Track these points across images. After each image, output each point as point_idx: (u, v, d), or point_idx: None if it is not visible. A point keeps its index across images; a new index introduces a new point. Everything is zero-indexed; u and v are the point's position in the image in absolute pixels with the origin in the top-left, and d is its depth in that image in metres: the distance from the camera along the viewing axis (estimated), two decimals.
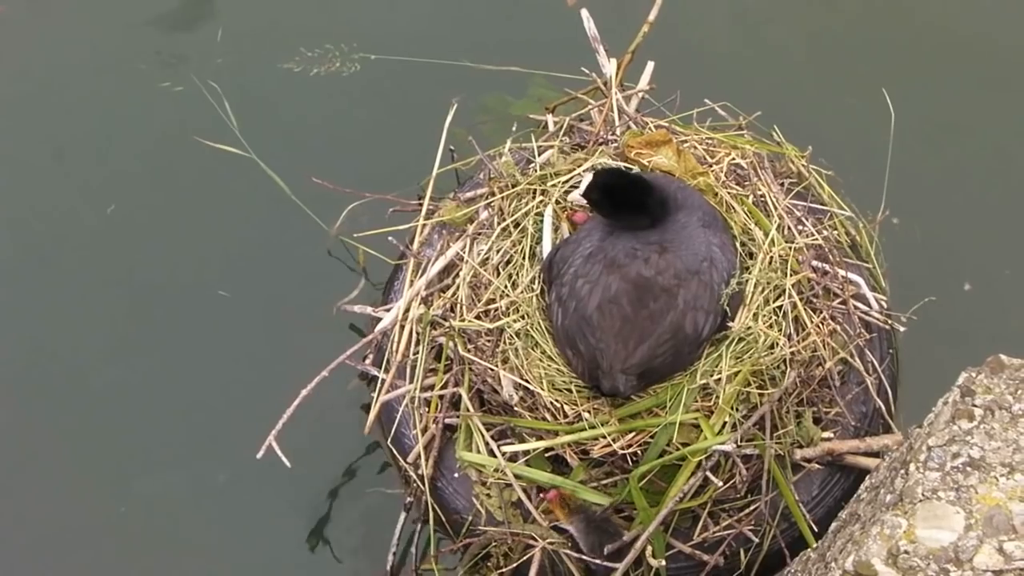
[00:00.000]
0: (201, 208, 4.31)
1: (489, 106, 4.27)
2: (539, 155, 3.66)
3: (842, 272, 3.54)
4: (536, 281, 3.42)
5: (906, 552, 2.37)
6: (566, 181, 3.55)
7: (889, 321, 3.63)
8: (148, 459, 3.94)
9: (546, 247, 3.45)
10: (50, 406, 4.01)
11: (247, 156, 4.20)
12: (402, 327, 3.56)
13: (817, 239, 3.52)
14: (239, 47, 4.58)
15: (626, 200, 3.28)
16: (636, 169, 3.53)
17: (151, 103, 4.47)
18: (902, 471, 2.53)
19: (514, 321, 3.36)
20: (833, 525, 2.99)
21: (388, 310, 3.64)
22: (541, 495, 3.33)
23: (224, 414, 3.96)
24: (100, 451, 3.94)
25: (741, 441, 3.22)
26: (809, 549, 3.06)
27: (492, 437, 3.37)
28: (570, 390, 3.29)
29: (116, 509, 3.87)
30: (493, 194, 3.58)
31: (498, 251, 3.48)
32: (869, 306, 3.60)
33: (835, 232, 3.66)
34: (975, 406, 2.56)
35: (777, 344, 3.30)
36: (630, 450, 3.23)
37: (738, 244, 3.47)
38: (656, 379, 3.26)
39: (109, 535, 3.83)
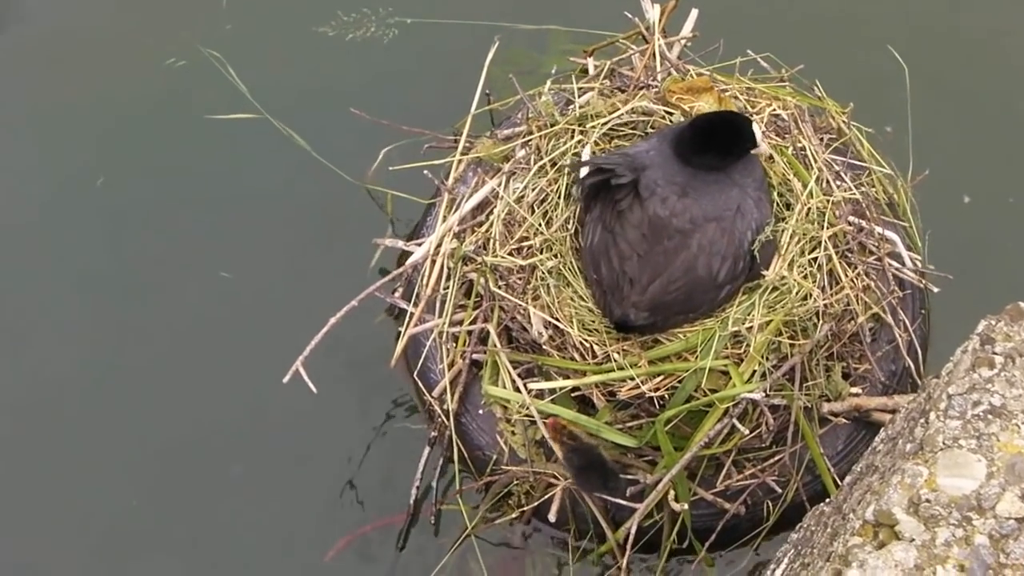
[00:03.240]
0: (222, 175, 4.26)
1: (515, 59, 4.23)
2: (579, 96, 3.64)
3: (878, 229, 3.52)
4: (571, 220, 3.41)
5: (928, 500, 2.36)
6: (605, 122, 3.53)
7: (923, 281, 3.61)
8: (168, 389, 3.96)
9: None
10: (53, 390, 3.98)
11: (264, 128, 4.14)
12: (433, 261, 3.56)
13: (855, 194, 3.50)
14: (252, 14, 4.52)
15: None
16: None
17: (157, 76, 4.37)
18: (922, 420, 2.52)
19: (547, 259, 3.35)
20: (848, 479, 2.98)
21: (420, 244, 3.63)
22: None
23: (250, 348, 3.95)
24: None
25: (770, 391, 3.21)
26: (822, 503, 3.06)
27: (519, 375, 3.37)
28: (599, 330, 3.29)
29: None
30: (531, 133, 3.56)
31: (534, 189, 3.46)
32: (904, 264, 3.58)
33: (873, 189, 3.64)
34: (995, 354, 2.54)
35: (811, 295, 3.28)
36: (657, 393, 3.22)
37: (775, 195, 3.44)
38: (669, 315, 3.24)
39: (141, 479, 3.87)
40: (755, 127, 3.28)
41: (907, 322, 3.55)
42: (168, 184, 4.23)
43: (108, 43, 4.44)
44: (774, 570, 3.03)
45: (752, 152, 3.30)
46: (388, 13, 4.36)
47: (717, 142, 3.25)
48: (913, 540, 2.32)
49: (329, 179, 4.06)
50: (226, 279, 4.06)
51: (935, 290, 3.63)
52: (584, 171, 3.35)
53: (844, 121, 3.70)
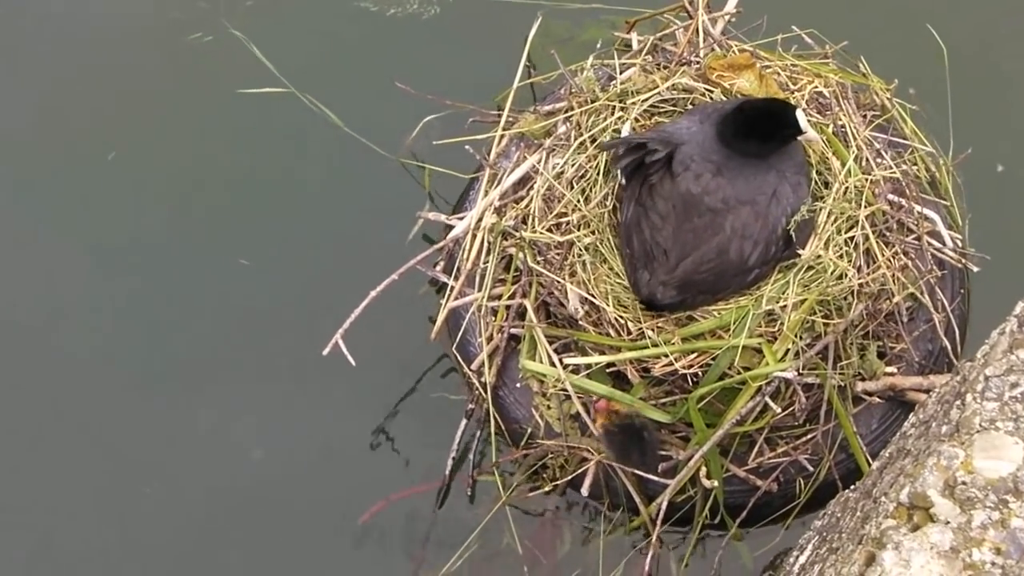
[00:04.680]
0: (255, 150, 4.25)
1: (556, 32, 4.22)
2: (621, 72, 3.64)
3: (918, 207, 3.50)
4: (609, 197, 3.43)
5: (964, 483, 2.33)
6: (646, 99, 3.54)
7: (963, 260, 3.59)
8: (210, 357, 4.00)
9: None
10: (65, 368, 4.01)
11: (300, 105, 4.13)
12: (474, 236, 3.60)
13: (895, 172, 3.48)
14: None
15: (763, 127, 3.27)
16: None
17: (181, 53, 4.35)
18: (957, 402, 2.49)
19: (584, 236, 3.38)
20: (876, 464, 2.98)
21: (461, 219, 3.67)
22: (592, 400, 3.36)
23: (293, 321, 3.99)
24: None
25: (803, 369, 3.22)
26: (847, 490, 3.06)
27: (555, 350, 3.41)
28: (634, 307, 3.31)
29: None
30: (572, 108, 3.58)
31: (573, 165, 3.48)
32: (943, 244, 3.56)
33: (915, 168, 3.62)
34: None
35: (846, 275, 3.28)
36: (691, 370, 3.25)
37: (814, 173, 3.44)
38: (697, 294, 3.27)
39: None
40: (799, 113, 3.25)
41: (945, 302, 3.53)
42: (211, 159, 4.25)
43: (132, 17, 4.44)
44: (797, 557, 3.04)
45: (799, 139, 3.28)
46: None
47: (760, 129, 3.25)
48: (949, 523, 2.30)
49: (369, 155, 4.07)
50: (247, 265, 4.08)
51: (975, 270, 3.61)
52: (619, 151, 3.36)
53: (888, 98, 3.68)
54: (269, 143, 4.24)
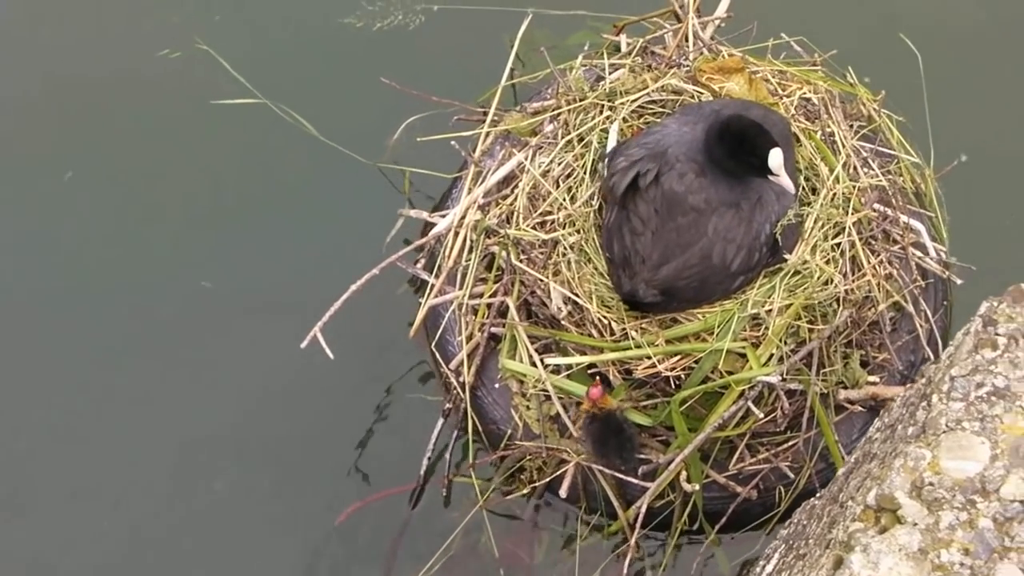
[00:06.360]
0: (233, 160, 4.24)
1: (542, 40, 4.20)
2: (610, 73, 3.62)
3: (904, 218, 3.49)
4: (595, 197, 3.40)
5: (931, 484, 2.33)
6: (635, 100, 3.51)
7: (947, 272, 3.58)
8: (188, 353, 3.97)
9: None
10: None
11: (271, 119, 4.09)
12: (456, 233, 3.56)
13: (882, 181, 3.47)
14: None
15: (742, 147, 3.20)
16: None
17: (155, 68, 4.32)
18: (923, 404, 2.49)
19: (569, 234, 3.34)
20: (842, 470, 2.97)
21: (444, 216, 3.63)
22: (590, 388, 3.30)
23: (269, 319, 3.95)
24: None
25: (786, 375, 3.20)
26: (813, 498, 3.04)
27: (536, 350, 3.37)
28: (618, 308, 3.28)
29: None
30: (560, 107, 3.55)
31: (560, 164, 3.45)
32: (927, 255, 3.55)
33: (900, 178, 3.61)
34: (998, 335, 2.50)
35: (832, 280, 3.27)
36: (674, 373, 3.22)
37: (802, 179, 3.42)
38: (681, 299, 3.23)
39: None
40: (775, 153, 3.14)
41: (928, 312, 3.53)
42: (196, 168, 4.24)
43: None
44: (764, 566, 3.01)
45: (769, 179, 3.19)
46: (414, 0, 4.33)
47: (736, 152, 3.19)
48: (916, 524, 2.29)
49: (349, 162, 4.04)
50: (208, 288, 4.05)
51: (958, 282, 3.60)
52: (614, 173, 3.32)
53: (875, 108, 3.68)
54: (245, 154, 4.22)
